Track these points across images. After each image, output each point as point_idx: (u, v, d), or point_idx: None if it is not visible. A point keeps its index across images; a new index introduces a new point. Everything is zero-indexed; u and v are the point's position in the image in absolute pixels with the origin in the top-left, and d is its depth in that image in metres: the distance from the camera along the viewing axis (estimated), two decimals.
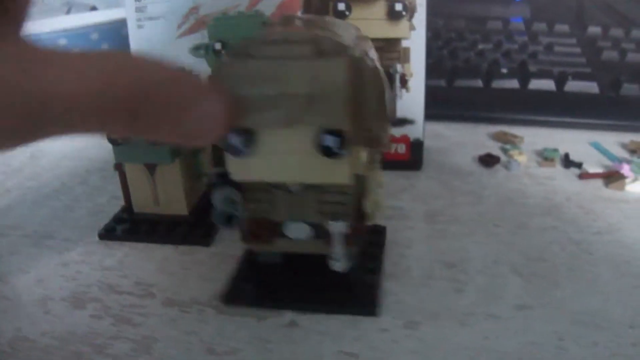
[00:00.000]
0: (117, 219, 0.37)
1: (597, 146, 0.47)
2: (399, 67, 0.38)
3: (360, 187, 0.27)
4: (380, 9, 0.37)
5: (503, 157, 0.45)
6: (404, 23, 0.37)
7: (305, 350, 0.26)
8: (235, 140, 0.23)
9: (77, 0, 0.84)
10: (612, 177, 0.41)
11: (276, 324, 0.28)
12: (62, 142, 0.54)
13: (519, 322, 0.28)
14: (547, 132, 0.50)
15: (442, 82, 0.52)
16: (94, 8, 0.81)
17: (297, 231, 0.28)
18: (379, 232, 0.34)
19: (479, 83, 0.51)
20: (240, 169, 0.25)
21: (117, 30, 0.54)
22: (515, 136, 0.47)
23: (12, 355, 0.27)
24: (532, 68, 0.53)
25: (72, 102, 0.15)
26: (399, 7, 0.37)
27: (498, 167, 0.44)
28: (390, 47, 0.38)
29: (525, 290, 0.30)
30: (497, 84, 0.52)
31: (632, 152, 0.46)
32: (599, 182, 0.42)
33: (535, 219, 0.37)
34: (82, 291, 0.31)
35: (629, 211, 0.38)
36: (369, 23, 0.36)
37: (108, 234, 0.36)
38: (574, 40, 0.59)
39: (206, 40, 0.40)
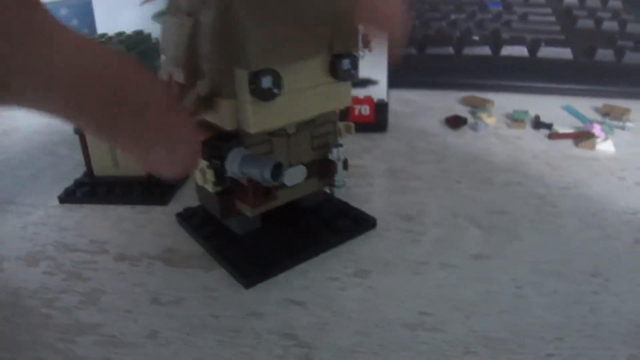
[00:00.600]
0: (77, 183, 0.37)
1: (569, 109, 0.46)
2: (360, 26, 0.37)
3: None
4: None
5: (471, 119, 0.45)
6: None
7: (251, 298, 0.26)
8: (267, 82, 0.23)
9: None
10: (582, 136, 0.41)
11: (223, 274, 0.28)
12: (34, 118, 0.54)
13: (475, 271, 0.27)
14: (519, 98, 0.50)
15: (413, 50, 0.51)
16: None
17: (295, 176, 0.28)
18: None
19: (450, 50, 0.51)
20: (263, 117, 0.24)
21: (87, 6, 0.54)
22: (485, 100, 0.47)
23: None
24: (505, 35, 0.52)
25: (59, 76, 0.16)
26: None
27: (465, 128, 0.43)
28: None
29: (484, 241, 0.30)
30: (469, 51, 0.51)
31: (605, 114, 0.45)
32: (569, 142, 0.41)
33: (500, 175, 0.36)
34: (38, 250, 0.31)
35: (599, 168, 0.37)
36: None
37: (68, 197, 0.36)
38: (549, 10, 0.58)
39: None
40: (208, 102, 0.24)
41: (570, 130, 0.42)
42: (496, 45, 0.51)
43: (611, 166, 0.37)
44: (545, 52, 0.50)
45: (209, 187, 0.27)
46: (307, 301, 0.26)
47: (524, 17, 0.57)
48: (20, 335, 0.24)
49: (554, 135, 0.41)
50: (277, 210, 0.28)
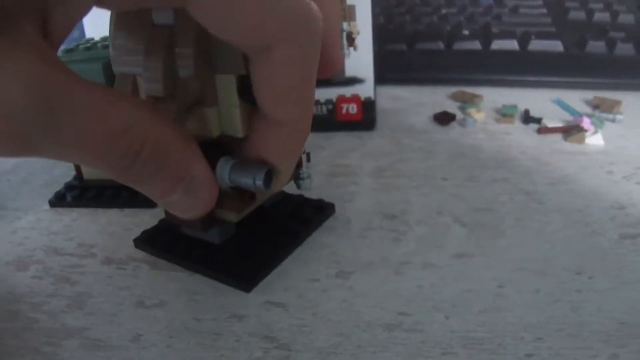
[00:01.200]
0: (67, 187, 0.37)
1: (559, 102, 0.46)
2: (345, 25, 0.37)
3: None
4: None
5: (460, 115, 0.44)
6: None
7: (232, 301, 0.26)
8: None
9: None
10: (571, 130, 0.41)
11: (206, 277, 0.28)
12: None
13: (457, 270, 0.27)
14: (509, 92, 0.49)
15: (403, 46, 0.51)
16: None
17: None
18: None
19: (440, 45, 0.51)
20: (249, 122, 0.24)
21: None
22: (474, 95, 0.46)
23: None
24: (496, 29, 0.52)
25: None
26: None
27: (453, 124, 0.43)
28: None
29: (467, 240, 0.30)
30: (459, 45, 0.51)
31: (595, 107, 0.45)
32: (558, 137, 0.41)
33: (487, 171, 0.36)
34: (27, 255, 0.31)
35: (587, 162, 0.37)
36: None
37: (58, 201, 0.36)
38: (540, 2, 0.58)
39: None
40: (188, 112, 0.24)
41: (559, 124, 0.42)
42: (486, 39, 0.51)
43: (600, 160, 0.37)
44: (535, 45, 0.50)
45: None
46: (288, 303, 0.26)
47: (514, 10, 0.57)
48: (6, 339, 0.25)
49: (543, 130, 0.41)
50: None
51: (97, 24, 0.41)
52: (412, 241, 0.30)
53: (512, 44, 0.50)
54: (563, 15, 0.56)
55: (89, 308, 0.27)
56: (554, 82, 0.48)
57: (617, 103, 0.44)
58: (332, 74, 0.23)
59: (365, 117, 0.42)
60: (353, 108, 0.41)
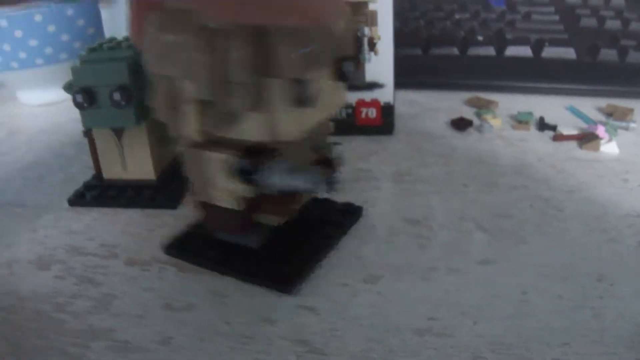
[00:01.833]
0: (87, 186, 0.37)
1: (573, 110, 0.46)
2: (366, 30, 0.38)
3: None
4: None
5: (476, 121, 0.45)
6: None
7: (262, 304, 0.26)
8: (310, 89, 0.24)
9: None
10: (586, 138, 0.41)
11: (235, 280, 0.28)
12: (39, 118, 0.54)
13: (482, 276, 0.28)
14: (523, 98, 0.50)
15: (418, 51, 0.51)
16: None
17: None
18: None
19: (454, 51, 0.51)
20: (294, 126, 0.25)
21: (92, 6, 0.54)
22: (490, 101, 0.47)
23: None
24: (509, 35, 0.52)
25: None
26: None
27: (470, 130, 0.44)
28: (356, 11, 0.38)
29: (489, 246, 0.30)
30: (473, 51, 0.51)
31: (609, 115, 0.46)
32: (573, 144, 0.41)
33: (505, 178, 0.37)
34: (49, 254, 0.31)
35: (602, 170, 0.38)
36: None
37: (77, 200, 0.36)
38: (552, 9, 0.58)
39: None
40: (235, 116, 0.24)
41: (574, 132, 0.42)
42: (500, 45, 0.51)
43: (615, 168, 0.38)
44: (549, 52, 0.50)
45: (234, 205, 0.27)
46: (319, 307, 0.26)
47: (527, 17, 0.57)
48: (33, 340, 0.25)
49: (558, 137, 0.42)
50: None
51: (115, 23, 0.41)
52: (436, 247, 0.30)
53: (526, 51, 0.51)
54: (575, 22, 0.57)
55: (114, 309, 0.27)
56: (567, 89, 0.49)
57: (630, 111, 0.45)
58: None
59: (385, 122, 0.42)
60: (372, 112, 0.42)
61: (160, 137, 0.36)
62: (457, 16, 0.57)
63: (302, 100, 0.24)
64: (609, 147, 0.40)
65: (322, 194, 0.31)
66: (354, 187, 0.36)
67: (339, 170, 0.29)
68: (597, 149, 0.40)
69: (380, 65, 0.40)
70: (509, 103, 0.48)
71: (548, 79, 0.49)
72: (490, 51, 0.51)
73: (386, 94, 0.41)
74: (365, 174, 0.38)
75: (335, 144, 0.29)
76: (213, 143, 0.26)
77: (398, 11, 0.58)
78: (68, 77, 0.34)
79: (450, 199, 0.34)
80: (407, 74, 0.48)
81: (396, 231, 0.31)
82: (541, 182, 0.36)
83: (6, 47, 0.52)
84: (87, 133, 0.36)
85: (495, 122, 0.43)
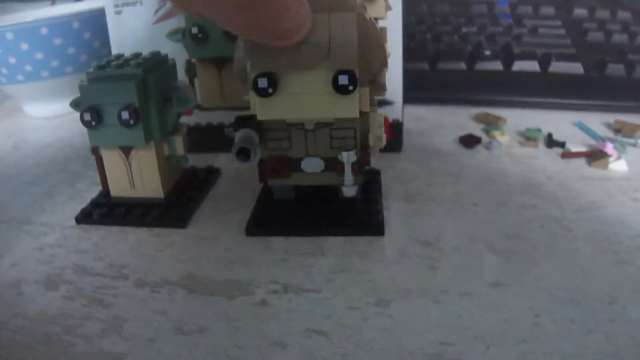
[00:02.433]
0: (94, 204, 0.37)
1: (581, 126, 0.46)
2: None
3: (364, 124, 0.32)
4: None
5: (485, 138, 0.45)
6: (380, 3, 0.37)
7: (273, 328, 0.26)
8: (263, 82, 0.29)
9: None
10: (595, 155, 0.41)
11: (246, 303, 0.28)
12: (45, 131, 0.54)
13: (494, 300, 0.27)
14: (531, 114, 0.50)
15: (425, 66, 0.51)
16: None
17: (312, 165, 0.33)
18: (375, 172, 0.39)
19: (462, 66, 0.51)
20: (266, 109, 0.30)
21: (98, 19, 0.54)
22: (497, 117, 0.47)
23: None
24: (516, 50, 0.52)
25: None
26: None
27: (479, 147, 0.43)
28: None
29: (501, 268, 0.30)
30: (481, 66, 0.51)
31: (617, 131, 0.46)
32: (582, 161, 0.41)
33: (515, 197, 0.36)
34: (57, 273, 0.31)
35: (612, 189, 0.37)
36: None
37: (85, 218, 0.36)
38: (559, 22, 0.58)
39: (183, 25, 0.40)
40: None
41: (582, 149, 0.42)
42: (508, 60, 0.51)
43: (624, 186, 0.38)
44: (556, 66, 0.50)
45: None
46: (330, 331, 0.26)
47: (534, 30, 0.57)
48: None
49: (567, 155, 0.41)
50: (314, 188, 0.34)
51: (122, 40, 0.41)
52: (447, 269, 0.30)
53: (533, 66, 0.51)
54: (582, 36, 0.57)
55: (125, 332, 0.26)
56: (575, 104, 0.48)
57: (638, 127, 0.45)
58: None
59: (393, 139, 0.41)
60: None
61: (168, 155, 0.36)
62: (464, 30, 0.57)
63: (256, 90, 0.29)
64: (618, 165, 0.40)
65: (348, 193, 0.33)
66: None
67: (345, 173, 0.32)
68: (605, 167, 0.40)
69: (389, 82, 0.40)
70: (517, 119, 0.48)
71: (555, 94, 0.49)
72: (498, 66, 0.51)
73: (395, 111, 0.41)
74: None
75: (349, 150, 0.31)
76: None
77: (405, 25, 0.58)
78: (74, 89, 0.34)
79: (460, 219, 0.34)
80: (414, 89, 0.48)
81: (407, 253, 0.31)
82: (551, 201, 0.36)
83: (12, 60, 0.52)
84: (94, 150, 0.36)
85: (504, 139, 0.43)
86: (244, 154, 0.31)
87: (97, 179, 0.37)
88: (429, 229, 0.33)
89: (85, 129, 0.34)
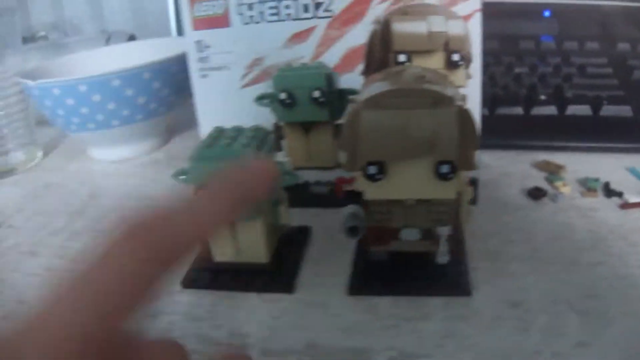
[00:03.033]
0: (196, 267, 0.38)
1: (634, 171, 0.49)
2: None
3: (457, 200, 0.35)
4: (439, 60, 0.40)
5: (550, 189, 0.48)
6: (461, 72, 0.39)
7: None
8: (372, 169, 0.33)
9: (115, 28, 0.85)
10: None
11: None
12: (117, 178, 0.56)
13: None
14: (585, 158, 0.52)
15: (485, 111, 0.54)
16: (132, 37, 0.81)
17: (410, 235, 0.37)
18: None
19: (519, 110, 0.54)
20: (373, 190, 0.33)
21: (168, 67, 0.56)
22: (559, 166, 0.50)
23: None
24: (568, 93, 0.55)
25: None
26: (456, 57, 0.39)
27: (545, 199, 0.47)
28: None
29: (582, 328, 0.33)
30: (537, 110, 0.54)
31: None
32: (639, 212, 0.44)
33: (584, 254, 0.40)
34: (182, 343, 0.34)
35: None
36: None
37: (191, 282, 0.37)
38: (604, 60, 0.61)
39: (271, 90, 0.42)
40: None
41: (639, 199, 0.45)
42: (561, 104, 0.54)
43: None
44: (606, 110, 0.53)
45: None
46: None
47: (582, 70, 0.60)
48: None
49: (625, 205, 0.44)
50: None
51: (207, 104, 0.42)
52: (537, 330, 0.33)
53: (586, 110, 0.53)
54: (628, 74, 0.59)
55: None
56: (626, 148, 0.51)
57: None
58: None
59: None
60: None
61: (272, 223, 0.38)
62: (516, 70, 0.59)
63: (366, 176, 0.33)
64: None
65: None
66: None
67: (440, 246, 0.36)
68: None
69: None
70: (573, 165, 0.51)
71: (607, 138, 0.52)
72: (552, 110, 0.54)
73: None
74: None
75: (444, 225, 0.35)
76: None
77: None
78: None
79: (540, 279, 0.37)
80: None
81: (500, 315, 0.34)
82: (616, 257, 0.39)
83: (84, 110, 0.55)
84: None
85: (566, 189, 0.46)
86: (353, 231, 0.35)
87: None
88: (514, 290, 0.36)
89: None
